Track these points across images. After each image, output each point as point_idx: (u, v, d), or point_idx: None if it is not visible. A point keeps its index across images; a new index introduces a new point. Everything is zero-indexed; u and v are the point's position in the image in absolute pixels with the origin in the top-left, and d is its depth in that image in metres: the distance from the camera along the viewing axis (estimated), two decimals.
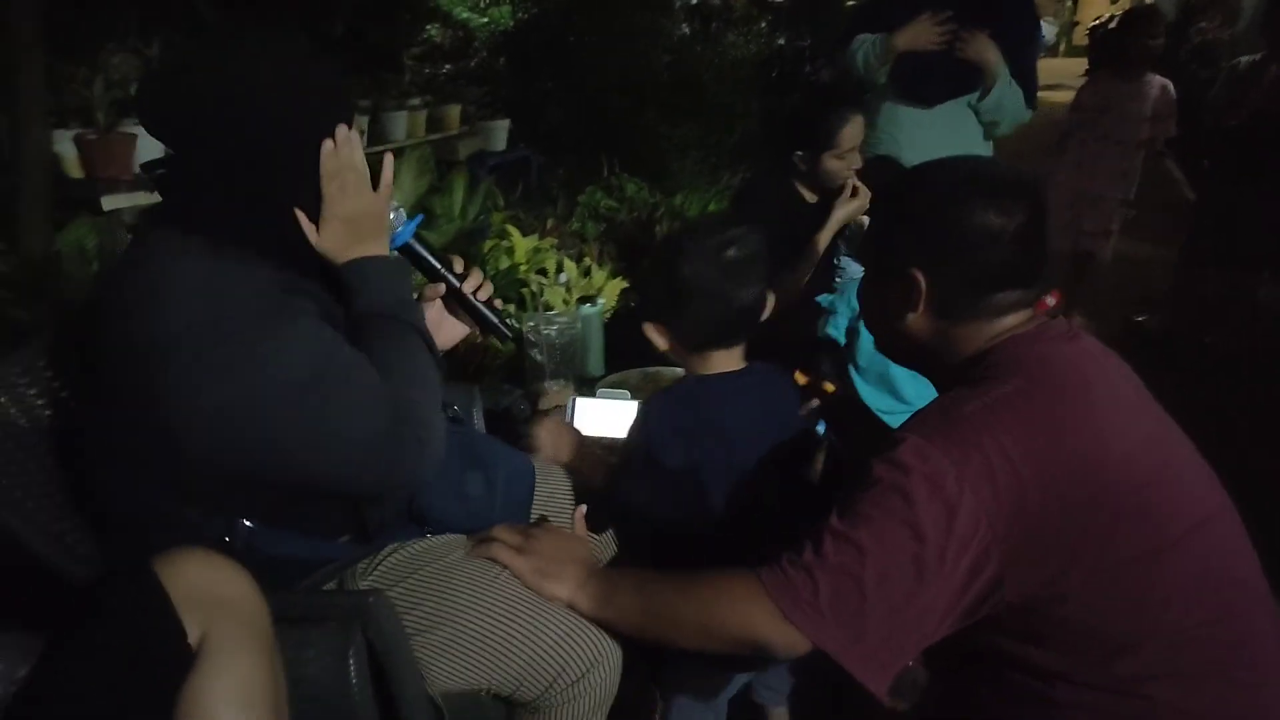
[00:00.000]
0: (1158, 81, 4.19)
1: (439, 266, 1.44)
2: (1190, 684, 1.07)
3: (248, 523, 1.21)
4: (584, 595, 1.32)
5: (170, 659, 0.98)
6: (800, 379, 1.63)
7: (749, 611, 1.11)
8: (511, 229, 3.19)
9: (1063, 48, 21.59)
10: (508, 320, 1.53)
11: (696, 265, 1.41)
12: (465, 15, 7.80)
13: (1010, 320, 1.18)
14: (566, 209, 4.15)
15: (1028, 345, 1.16)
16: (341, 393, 1.14)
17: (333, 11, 4.78)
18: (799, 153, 2.50)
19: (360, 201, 1.25)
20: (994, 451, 1.05)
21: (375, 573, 1.33)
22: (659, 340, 1.49)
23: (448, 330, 1.49)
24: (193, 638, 0.99)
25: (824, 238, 2.46)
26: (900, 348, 1.27)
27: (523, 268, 3.04)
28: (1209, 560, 1.11)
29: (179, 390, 1.09)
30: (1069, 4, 24.64)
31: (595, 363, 2.42)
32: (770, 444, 1.47)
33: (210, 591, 1.03)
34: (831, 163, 2.47)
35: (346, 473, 1.16)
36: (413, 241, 1.42)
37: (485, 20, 7.82)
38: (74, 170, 2.96)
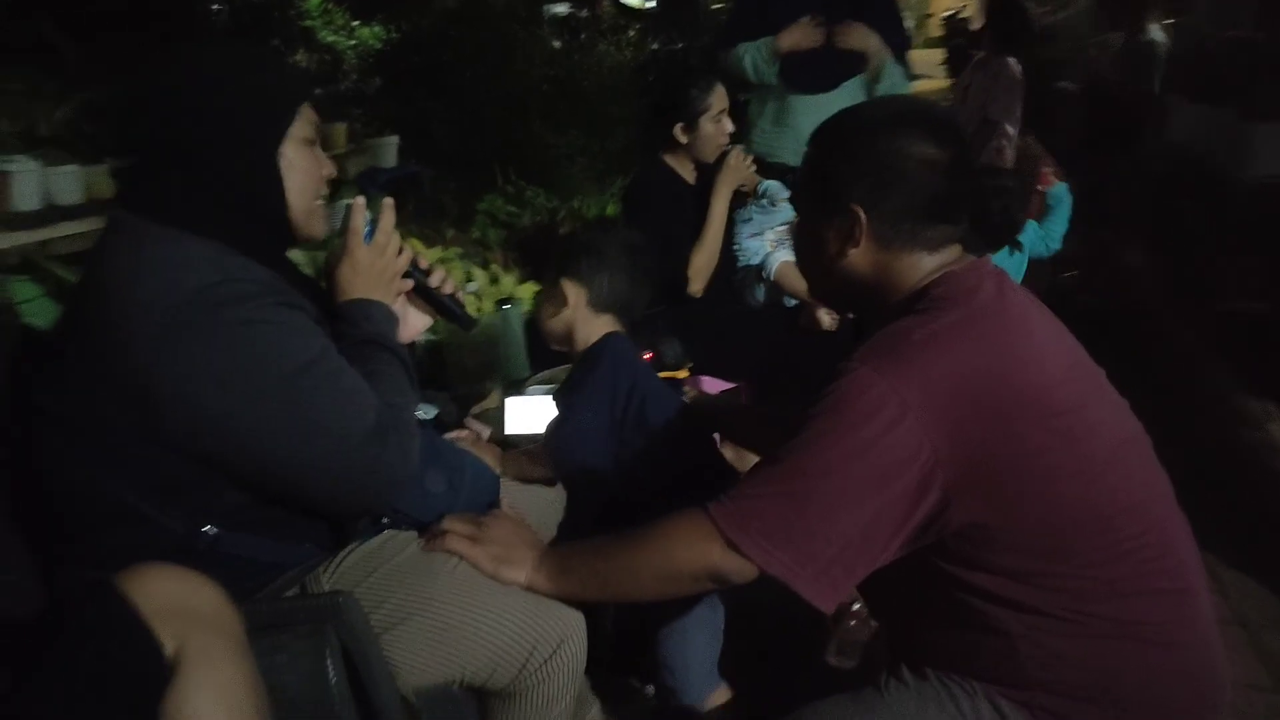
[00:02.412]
0: (1014, 60, 4.44)
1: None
2: (1123, 600, 1.14)
3: (211, 529, 1.21)
4: (541, 575, 1.34)
5: (150, 674, 0.95)
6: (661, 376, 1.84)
7: (701, 547, 1.16)
8: (415, 241, 3.17)
9: (919, 40, 22.52)
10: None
11: (623, 244, 1.75)
12: (332, 38, 7.67)
13: (944, 255, 1.24)
14: (462, 219, 4.14)
15: (963, 280, 1.22)
16: (331, 387, 1.19)
17: (200, 38, 4.66)
18: (679, 124, 2.59)
19: (385, 260, 1.41)
20: (939, 376, 1.10)
21: (336, 572, 1.33)
22: (571, 294, 1.73)
23: (412, 322, 1.54)
24: (169, 650, 0.97)
25: (719, 206, 2.59)
26: (842, 289, 1.31)
27: None
28: (1134, 477, 1.20)
29: (174, 358, 1.11)
30: None
31: (519, 363, 2.43)
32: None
33: (182, 603, 1.01)
34: (709, 126, 2.59)
35: (329, 470, 1.19)
36: None
37: (352, 42, 7.70)
38: None
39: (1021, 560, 1.13)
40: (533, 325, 2.59)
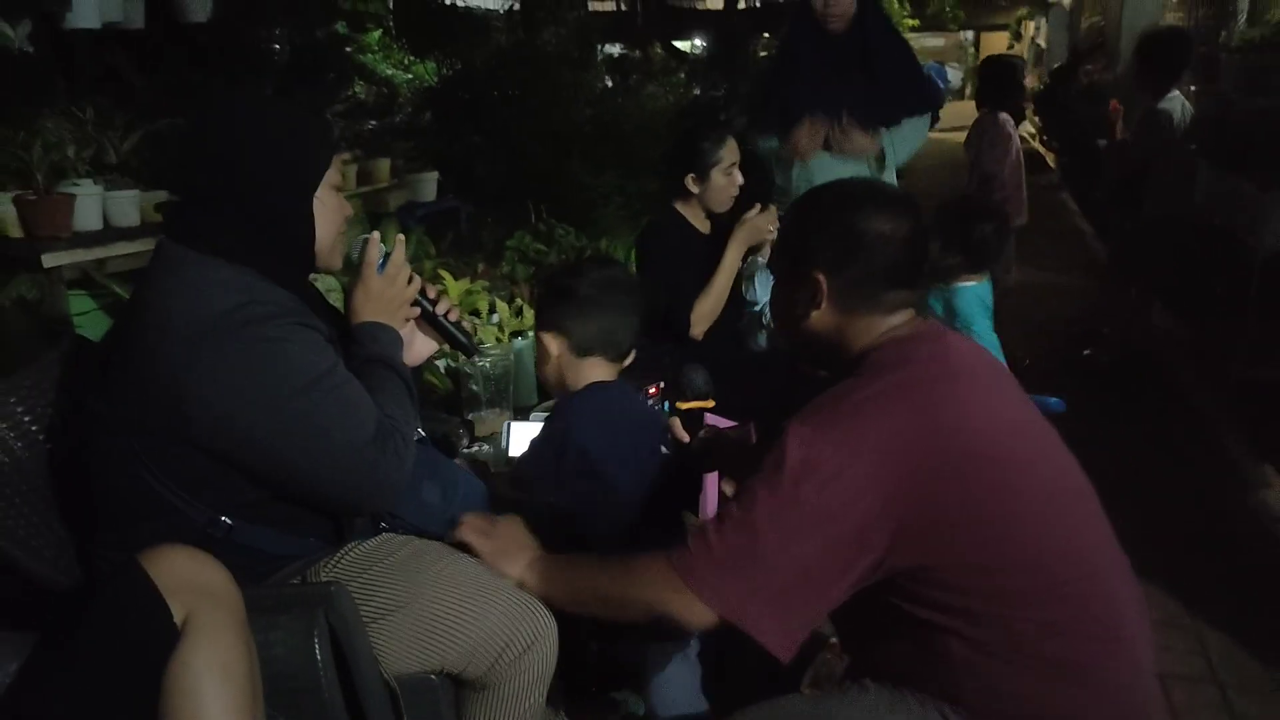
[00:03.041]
0: (1003, 115, 4.55)
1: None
2: (1066, 640, 1.23)
3: (227, 520, 1.38)
4: (531, 574, 1.50)
5: (159, 637, 1.12)
6: (682, 407, 1.80)
7: (659, 589, 1.28)
8: (444, 273, 3.35)
9: (969, 91, 22.61)
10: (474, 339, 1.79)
11: (595, 283, 1.77)
12: (390, 72, 8.00)
13: (898, 318, 1.37)
14: (495, 254, 4.33)
15: (905, 344, 1.34)
16: (336, 399, 1.37)
17: (262, 74, 4.93)
18: (690, 175, 2.74)
19: (394, 289, 1.59)
20: (884, 434, 1.21)
21: (337, 568, 1.48)
22: (552, 346, 1.78)
23: (419, 347, 1.73)
24: (178, 619, 1.14)
25: (731, 258, 2.70)
26: (806, 344, 1.43)
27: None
28: (1074, 527, 1.28)
29: (201, 368, 1.30)
30: (971, 50, 25.86)
31: (528, 392, 2.59)
32: (636, 445, 1.74)
33: (192, 580, 1.17)
34: (720, 179, 2.73)
35: (331, 470, 1.36)
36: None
37: (409, 77, 8.03)
38: (13, 230, 3.04)
39: (965, 599, 1.23)
40: None
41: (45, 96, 3.56)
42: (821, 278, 1.36)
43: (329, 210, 1.50)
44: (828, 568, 1.21)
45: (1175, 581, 2.59)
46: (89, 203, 3.17)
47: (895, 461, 1.19)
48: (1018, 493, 1.24)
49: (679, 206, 2.81)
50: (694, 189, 2.75)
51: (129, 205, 3.28)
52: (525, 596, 1.48)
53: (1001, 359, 2.66)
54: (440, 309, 1.69)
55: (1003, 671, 1.23)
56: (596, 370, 1.79)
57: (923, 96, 3.24)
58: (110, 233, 3.22)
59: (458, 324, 1.72)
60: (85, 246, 3.11)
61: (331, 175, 1.51)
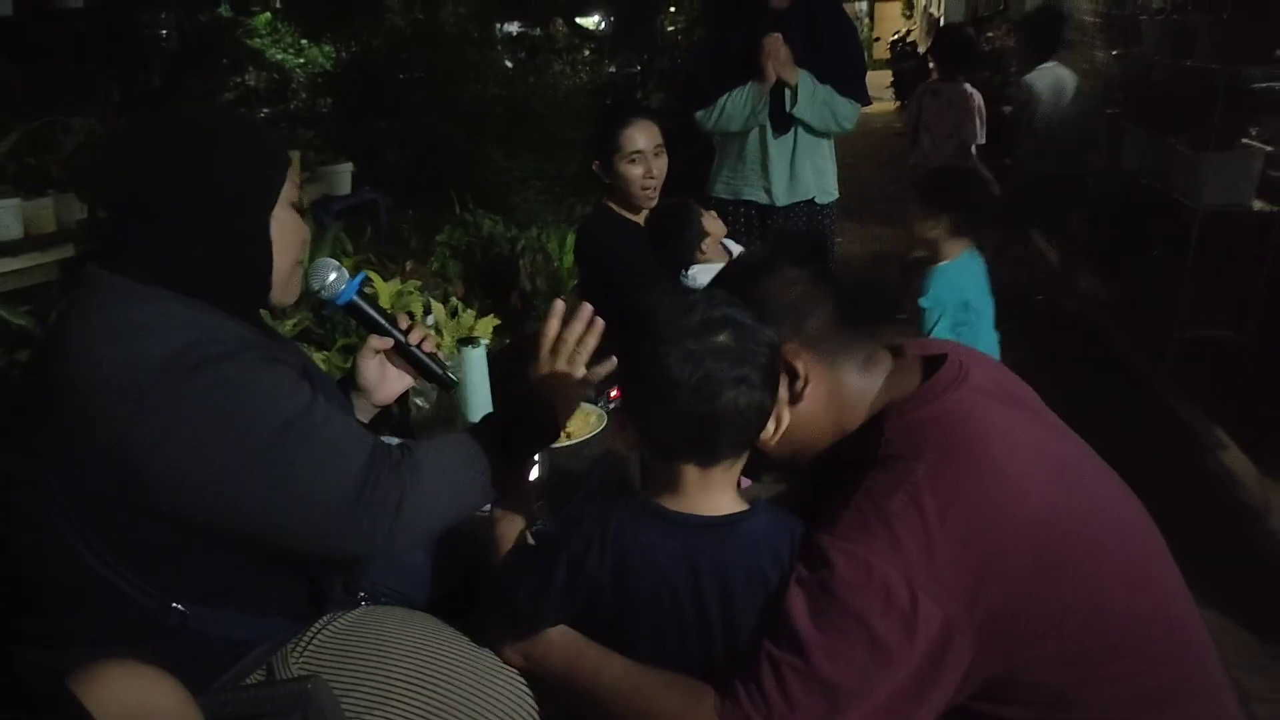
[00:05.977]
0: (970, 86, 4.61)
1: (384, 322, 1.49)
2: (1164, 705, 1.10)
3: (180, 606, 1.17)
4: (530, 645, 1.21)
5: None
6: None
7: None
8: (373, 274, 3.09)
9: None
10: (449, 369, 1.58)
11: (661, 347, 1.07)
12: (280, 57, 7.56)
13: (880, 370, 1.21)
14: (421, 249, 4.07)
15: (920, 407, 1.14)
16: (318, 441, 1.16)
17: (149, 64, 4.56)
18: (596, 162, 2.58)
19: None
20: (933, 543, 1.03)
21: (308, 652, 1.25)
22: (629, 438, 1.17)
23: (391, 382, 1.54)
24: None
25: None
26: (808, 445, 1.22)
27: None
28: (1158, 574, 1.15)
29: (153, 425, 1.08)
30: (866, 21, 26.22)
31: (484, 407, 2.36)
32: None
33: (139, 705, 0.95)
34: (625, 168, 2.53)
35: (320, 523, 1.15)
36: (357, 299, 1.47)
37: (302, 61, 7.61)
38: None
39: (1059, 691, 1.08)
40: (495, 363, 2.53)
41: None
42: (794, 345, 1.17)
43: (288, 231, 1.29)
44: (920, 713, 1.04)
45: None
46: None
47: (965, 565, 1.02)
48: (1098, 559, 1.09)
49: (609, 201, 2.66)
50: (605, 179, 2.59)
51: (9, 217, 2.91)
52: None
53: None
54: (414, 338, 1.51)
55: None
56: (692, 486, 1.14)
57: (857, 89, 3.21)
58: None
59: (433, 355, 1.53)
60: None
61: (289, 191, 1.28)
